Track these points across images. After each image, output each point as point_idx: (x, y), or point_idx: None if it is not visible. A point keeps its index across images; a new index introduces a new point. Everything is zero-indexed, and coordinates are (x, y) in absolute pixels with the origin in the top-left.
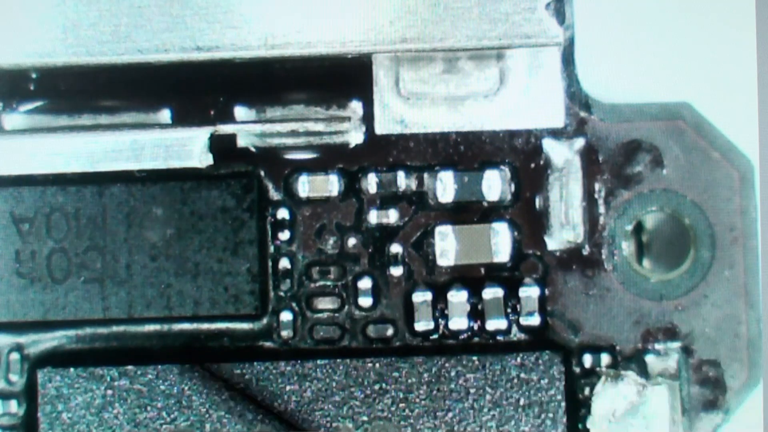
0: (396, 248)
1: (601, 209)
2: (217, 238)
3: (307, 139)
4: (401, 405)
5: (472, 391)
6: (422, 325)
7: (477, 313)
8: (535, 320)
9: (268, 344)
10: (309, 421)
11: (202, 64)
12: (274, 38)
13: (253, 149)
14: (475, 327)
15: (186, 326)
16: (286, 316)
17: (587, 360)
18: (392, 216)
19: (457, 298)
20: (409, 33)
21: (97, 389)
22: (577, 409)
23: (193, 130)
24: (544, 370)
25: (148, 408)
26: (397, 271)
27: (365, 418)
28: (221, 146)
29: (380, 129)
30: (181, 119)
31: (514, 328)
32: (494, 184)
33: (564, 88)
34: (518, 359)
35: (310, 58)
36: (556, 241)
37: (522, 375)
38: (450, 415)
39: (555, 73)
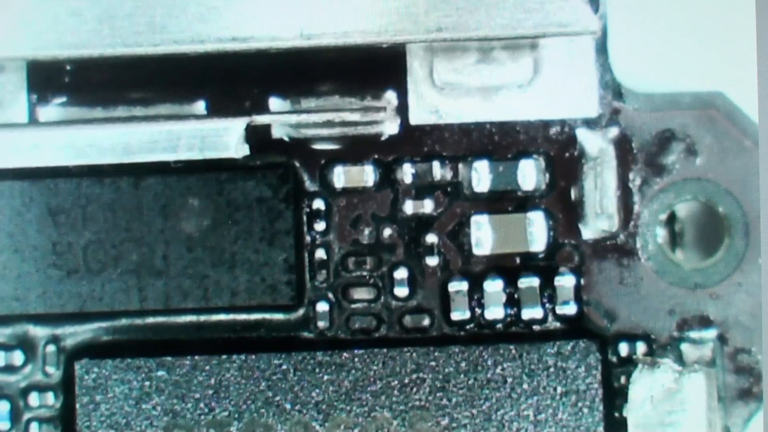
0: (431, 238)
1: (636, 198)
2: (254, 228)
3: (342, 130)
4: (438, 394)
5: (508, 380)
6: (458, 314)
7: (513, 302)
8: (570, 309)
9: (304, 335)
10: (347, 411)
11: (237, 54)
12: (309, 29)
13: (288, 140)
14: (511, 316)
15: (223, 317)
16: (322, 306)
17: (623, 348)
18: (428, 206)
19: (493, 287)
20: (444, 22)
21: (135, 380)
22: (614, 397)
23: (229, 121)
24: (581, 358)
25: (186, 399)
26: (432, 260)
27: (402, 408)
28: (256, 137)
29: (415, 119)
30: (215, 110)
31: (550, 317)
32: (529, 174)
33: (598, 78)
34: (554, 348)
35: (344, 48)
36: (590, 230)
37: (558, 363)
38: (487, 404)
39: (589, 62)
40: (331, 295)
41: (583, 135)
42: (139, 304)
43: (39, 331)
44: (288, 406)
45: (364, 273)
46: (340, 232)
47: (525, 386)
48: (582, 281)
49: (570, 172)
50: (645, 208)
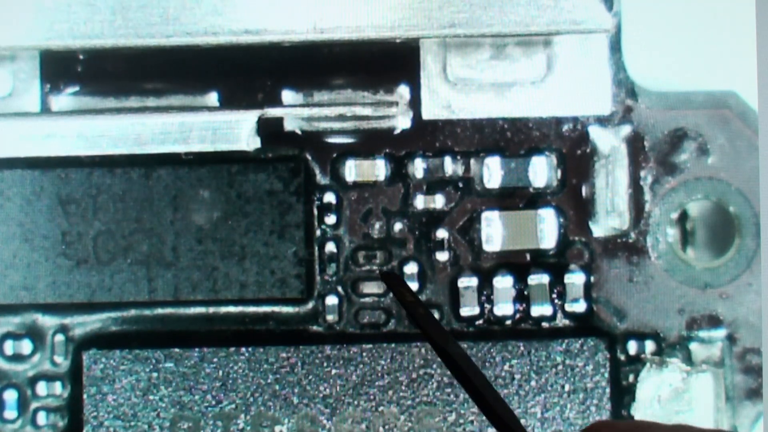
0: (442, 233)
1: (647, 197)
2: (264, 221)
3: (354, 124)
4: (446, 390)
5: (516, 376)
6: (468, 310)
7: (522, 298)
8: (580, 306)
9: (313, 328)
10: (354, 405)
11: (250, 47)
12: (323, 22)
13: (300, 133)
14: (521, 312)
15: (232, 309)
16: (331, 300)
17: (632, 347)
18: (439, 201)
19: (503, 283)
20: (457, 18)
21: (142, 371)
22: (622, 395)
23: (241, 114)
24: (589, 356)
25: (193, 391)
26: (443, 256)
27: (410, 403)
28: (268, 130)
29: (427, 114)
30: (228, 102)
31: (559, 315)
32: (541, 171)
33: (611, 76)
34: (563, 345)
35: (358, 42)
36: (601, 227)
37: (567, 361)
38: None
39: (602, 60)
40: (340, 289)
41: (595, 132)
42: (148, 295)
43: (48, 321)
44: (295, 400)
45: (374, 267)
46: (351, 226)
47: (533, 383)
48: (592, 279)
49: (582, 170)
50: (656, 207)
